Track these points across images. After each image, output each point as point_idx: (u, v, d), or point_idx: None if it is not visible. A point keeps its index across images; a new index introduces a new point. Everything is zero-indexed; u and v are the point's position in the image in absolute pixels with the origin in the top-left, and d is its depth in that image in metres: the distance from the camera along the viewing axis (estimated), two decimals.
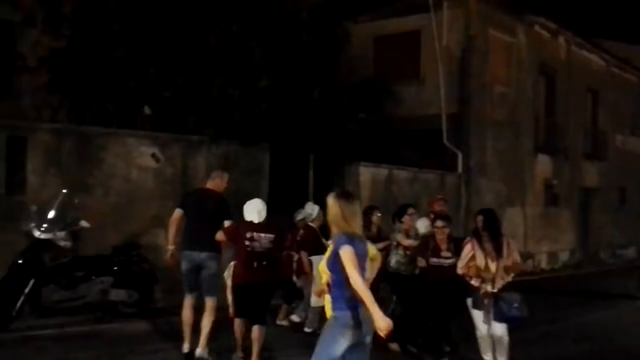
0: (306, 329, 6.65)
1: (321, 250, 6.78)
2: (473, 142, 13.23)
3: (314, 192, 10.23)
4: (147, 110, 8.46)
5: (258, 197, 5.91)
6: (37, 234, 6.44)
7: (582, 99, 17.40)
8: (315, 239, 6.73)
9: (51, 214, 6.52)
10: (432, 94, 12.88)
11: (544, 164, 15.52)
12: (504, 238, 5.34)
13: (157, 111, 8.58)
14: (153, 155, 8.07)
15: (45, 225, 6.47)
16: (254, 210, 5.26)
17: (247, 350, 5.25)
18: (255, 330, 5.16)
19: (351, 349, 3.30)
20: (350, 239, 3.34)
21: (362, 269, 3.33)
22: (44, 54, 8.30)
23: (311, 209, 6.98)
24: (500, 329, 5.18)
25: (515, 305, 5.07)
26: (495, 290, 5.14)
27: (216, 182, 5.70)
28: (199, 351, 5.24)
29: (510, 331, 5.28)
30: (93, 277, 6.71)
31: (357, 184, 10.69)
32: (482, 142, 13.48)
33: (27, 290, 6.23)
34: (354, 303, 3.28)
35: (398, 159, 11.77)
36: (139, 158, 8.00)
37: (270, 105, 9.19)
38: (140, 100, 8.48)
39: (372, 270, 3.81)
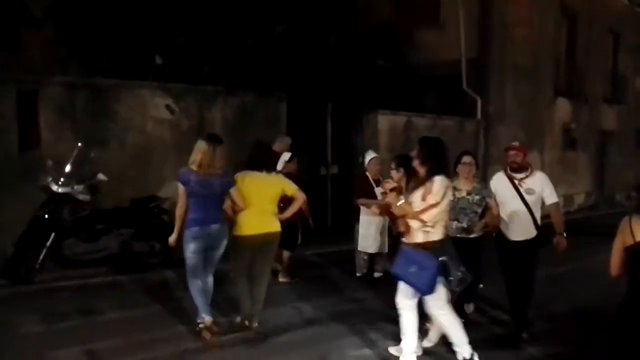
0: (357, 274, 6.57)
1: (372, 198, 6.37)
2: (492, 87, 12.43)
3: (332, 141, 9.74)
4: (158, 60, 7.89)
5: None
6: (55, 188, 6.13)
7: (604, 42, 16.25)
8: (366, 187, 6.37)
9: (68, 168, 6.19)
10: (452, 39, 11.98)
11: (563, 108, 14.67)
12: (435, 179, 3.72)
13: (169, 61, 8.01)
14: (167, 107, 7.58)
15: (62, 179, 6.16)
16: None
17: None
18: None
19: (205, 253, 4.37)
20: (185, 173, 4.28)
21: (206, 196, 4.26)
22: (49, 4, 7.69)
23: (362, 157, 6.75)
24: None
25: (412, 269, 3.71)
26: (404, 240, 3.84)
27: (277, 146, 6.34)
28: None
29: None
30: (113, 230, 6.41)
31: (376, 131, 10.13)
32: (501, 87, 12.66)
33: (48, 243, 5.99)
34: (195, 222, 4.29)
35: (417, 106, 11.12)
36: (154, 110, 7.50)
37: (285, 52, 8.54)
38: (151, 49, 7.89)
39: (294, 205, 4.70)
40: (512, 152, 4.65)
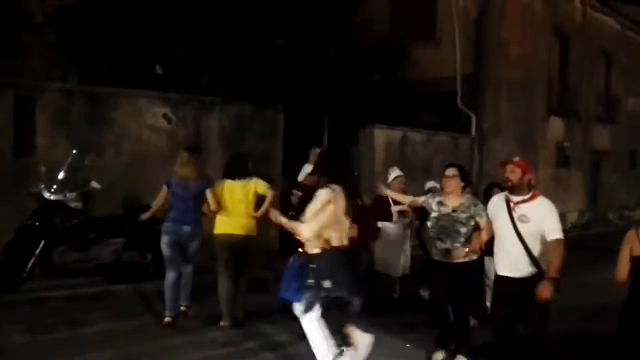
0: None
1: (388, 217, 6.00)
2: (487, 104, 12.44)
3: (328, 154, 9.65)
4: (158, 69, 7.81)
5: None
6: (47, 195, 5.96)
7: (596, 62, 16.35)
8: (383, 206, 5.93)
9: (61, 175, 6.03)
10: (448, 56, 12.01)
11: (556, 126, 14.68)
12: (321, 191, 3.74)
13: (168, 71, 7.93)
14: (164, 116, 7.48)
15: (55, 187, 5.99)
16: None
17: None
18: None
19: (179, 247, 5.04)
20: (170, 178, 5.09)
21: (182, 198, 4.99)
22: (52, 12, 7.62)
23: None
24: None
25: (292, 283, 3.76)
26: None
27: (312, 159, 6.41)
28: None
29: None
30: (105, 239, 6.24)
31: (372, 146, 10.05)
32: (496, 105, 12.66)
33: (37, 251, 5.79)
34: (171, 220, 5.03)
35: (412, 121, 11.08)
36: (151, 119, 7.39)
37: (284, 65, 8.50)
38: (151, 59, 7.82)
39: (266, 202, 4.95)
40: (507, 167, 3.82)
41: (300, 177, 6.21)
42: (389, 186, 5.93)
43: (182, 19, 7.89)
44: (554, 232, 3.68)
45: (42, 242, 5.81)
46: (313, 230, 3.67)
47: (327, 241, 3.69)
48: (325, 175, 3.89)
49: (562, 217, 17.73)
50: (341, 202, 3.76)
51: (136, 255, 6.37)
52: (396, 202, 5.85)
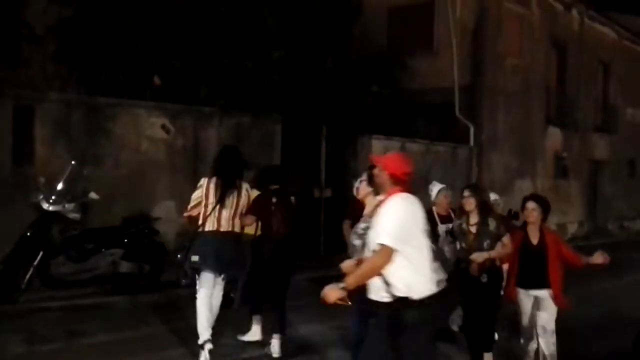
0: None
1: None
2: (485, 114, 12.55)
3: (326, 163, 9.73)
4: (157, 80, 7.92)
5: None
6: (45, 206, 6.01)
7: (594, 72, 16.52)
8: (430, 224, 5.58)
9: (60, 186, 6.09)
10: (446, 66, 12.13)
11: (554, 136, 14.80)
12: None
13: (167, 82, 8.03)
14: (163, 127, 7.57)
15: (54, 197, 6.04)
16: None
17: None
18: None
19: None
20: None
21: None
22: (52, 23, 7.74)
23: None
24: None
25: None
26: None
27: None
28: None
29: None
30: (103, 250, 6.29)
31: (370, 156, 10.13)
32: (494, 115, 12.79)
33: (35, 262, 5.84)
34: None
35: (411, 132, 11.18)
36: (149, 129, 7.49)
37: (283, 76, 8.61)
38: (150, 70, 7.92)
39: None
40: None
41: (355, 192, 5.46)
42: (434, 204, 5.17)
43: (181, 30, 8.00)
44: (379, 235, 2.79)
45: (40, 253, 5.86)
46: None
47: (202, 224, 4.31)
48: (212, 168, 4.49)
49: (563, 228, 17.68)
50: (212, 191, 4.31)
51: (134, 266, 6.42)
52: (443, 221, 5.03)
